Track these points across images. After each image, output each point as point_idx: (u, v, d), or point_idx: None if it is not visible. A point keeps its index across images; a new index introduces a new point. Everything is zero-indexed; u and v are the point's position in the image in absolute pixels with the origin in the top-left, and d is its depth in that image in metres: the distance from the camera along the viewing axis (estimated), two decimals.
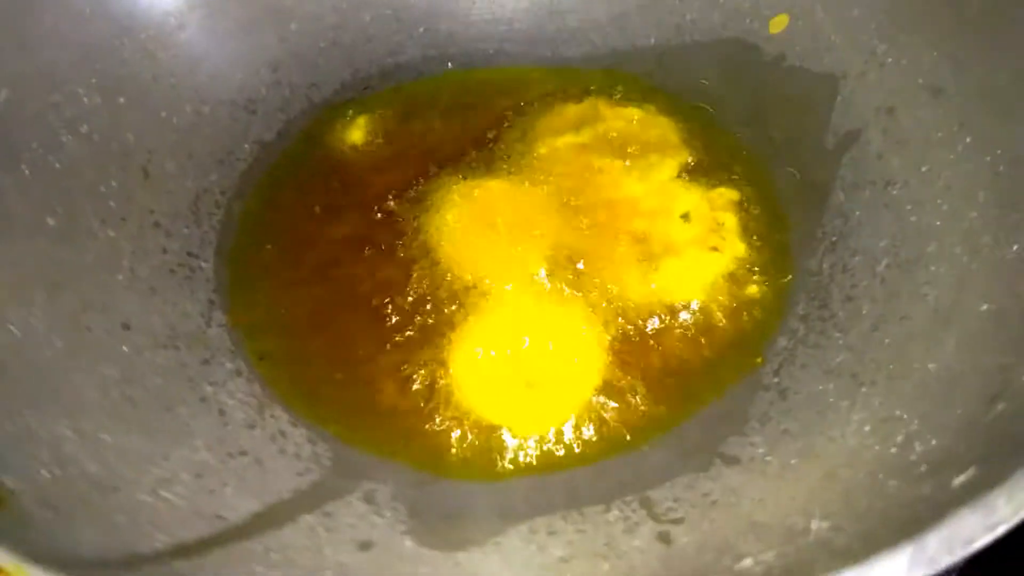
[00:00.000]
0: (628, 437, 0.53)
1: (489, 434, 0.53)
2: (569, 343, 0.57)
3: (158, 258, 0.61)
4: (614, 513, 0.46)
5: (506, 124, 0.72)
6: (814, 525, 0.37)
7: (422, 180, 0.68)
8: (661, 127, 0.71)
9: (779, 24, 0.70)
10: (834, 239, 0.59)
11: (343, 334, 0.60)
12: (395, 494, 0.49)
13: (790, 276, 0.59)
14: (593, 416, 0.54)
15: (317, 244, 0.65)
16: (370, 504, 0.48)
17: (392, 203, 0.67)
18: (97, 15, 0.66)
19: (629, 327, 0.58)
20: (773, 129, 0.69)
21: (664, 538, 0.43)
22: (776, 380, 0.53)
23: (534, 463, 0.52)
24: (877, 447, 0.41)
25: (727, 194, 0.65)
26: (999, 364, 0.41)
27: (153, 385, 0.53)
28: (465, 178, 0.68)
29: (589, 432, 0.53)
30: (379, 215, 0.66)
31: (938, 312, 0.49)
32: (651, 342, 0.57)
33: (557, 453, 0.52)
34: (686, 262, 0.61)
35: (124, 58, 0.67)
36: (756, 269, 0.60)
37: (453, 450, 0.53)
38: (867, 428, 0.44)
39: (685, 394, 0.55)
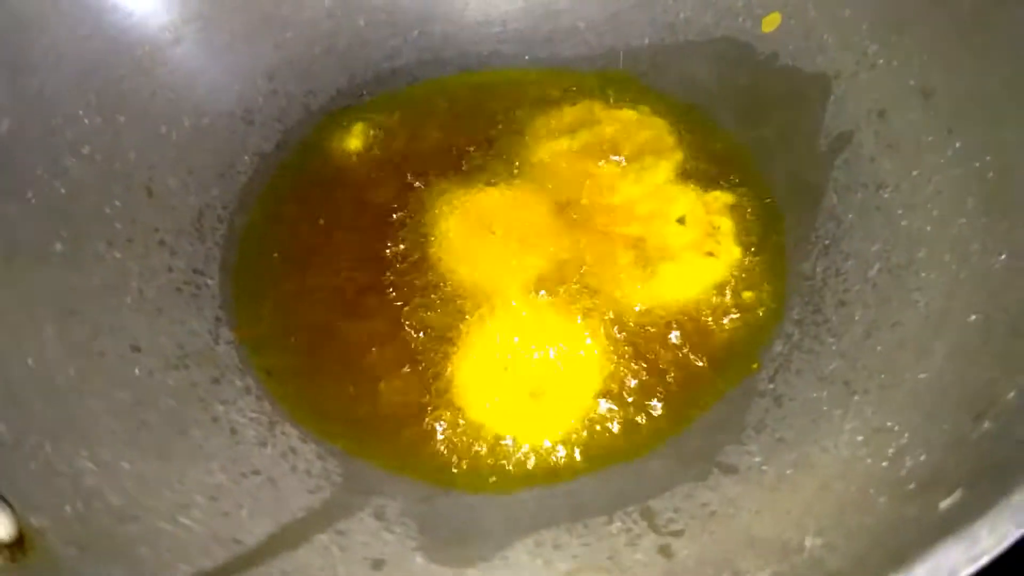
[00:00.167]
0: (629, 445, 0.54)
1: (494, 445, 0.55)
2: (570, 352, 0.58)
3: (164, 277, 0.62)
4: (616, 525, 0.47)
5: (503, 128, 0.73)
6: (808, 542, 0.38)
7: (421, 188, 0.69)
8: (656, 128, 0.72)
9: (772, 23, 0.71)
10: (827, 242, 0.60)
11: (348, 347, 0.61)
12: (404, 509, 0.51)
13: (784, 279, 0.60)
14: (595, 424, 0.55)
15: (319, 256, 0.66)
16: (380, 520, 0.50)
17: (392, 213, 0.67)
18: (92, 34, 0.66)
19: (628, 334, 0.59)
20: (767, 129, 0.69)
21: (665, 551, 0.44)
22: (772, 386, 0.54)
23: (538, 473, 0.54)
24: (869, 460, 0.43)
25: (722, 197, 0.66)
26: (986, 378, 0.42)
27: (166, 407, 0.54)
28: (463, 185, 0.69)
29: (591, 441, 0.55)
30: (379, 226, 0.67)
31: (928, 320, 0.50)
32: (650, 349, 0.58)
33: (560, 463, 0.54)
34: (683, 267, 0.62)
35: (121, 75, 0.67)
36: (751, 273, 0.61)
37: (459, 462, 0.55)
38: (859, 438, 0.45)
39: (684, 400, 0.56)
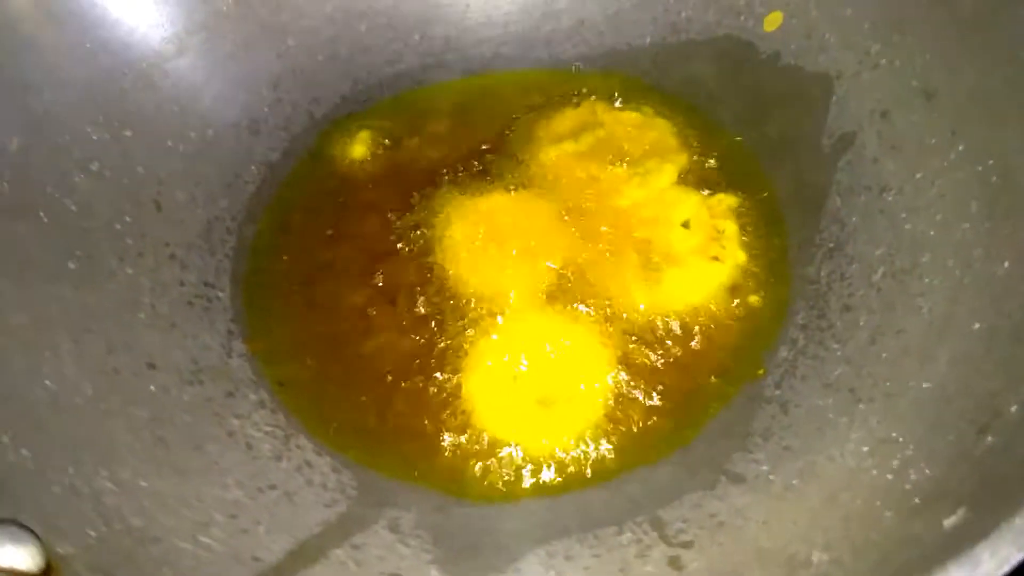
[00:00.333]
0: (637, 452, 0.55)
1: (504, 454, 0.56)
2: (577, 359, 0.59)
3: (176, 291, 0.63)
4: (627, 535, 0.48)
5: (506, 133, 0.73)
6: (815, 557, 0.39)
7: (427, 194, 0.69)
8: (659, 130, 0.72)
9: (773, 22, 0.71)
10: (831, 246, 0.61)
11: (358, 357, 0.62)
12: (418, 521, 0.52)
13: (789, 284, 0.61)
14: (603, 432, 0.56)
15: (328, 266, 0.67)
16: (395, 533, 0.51)
17: (399, 221, 0.68)
18: (96, 50, 0.67)
19: (635, 341, 0.60)
20: (769, 129, 0.70)
21: (675, 563, 0.45)
22: (778, 392, 0.55)
23: (548, 482, 0.55)
24: (875, 471, 0.44)
25: (726, 200, 0.66)
26: (989, 389, 0.43)
27: (182, 423, 0.55)
28: (469, 191, 0.69)
29: (600, 448, 0.56)
30: (387, 234, 0.68)
31: (932, 327, 0.50)
32: (657, 355, 0.59)
33: (570, 471, 0.55)
34: (688, 272, 0.63)
35: (126, 90, 0.68)
36: (756, 277, 0.62)
37: (470, 472, 0.56)
38: (865, 449, 0.46)
39: (691, 407, 0.57)
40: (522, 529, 0.51)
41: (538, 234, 0.66)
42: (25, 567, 0.39)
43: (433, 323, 0.62)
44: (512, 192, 0.69)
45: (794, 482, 0.47)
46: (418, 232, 0.67)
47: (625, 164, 0.69)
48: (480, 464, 0.56)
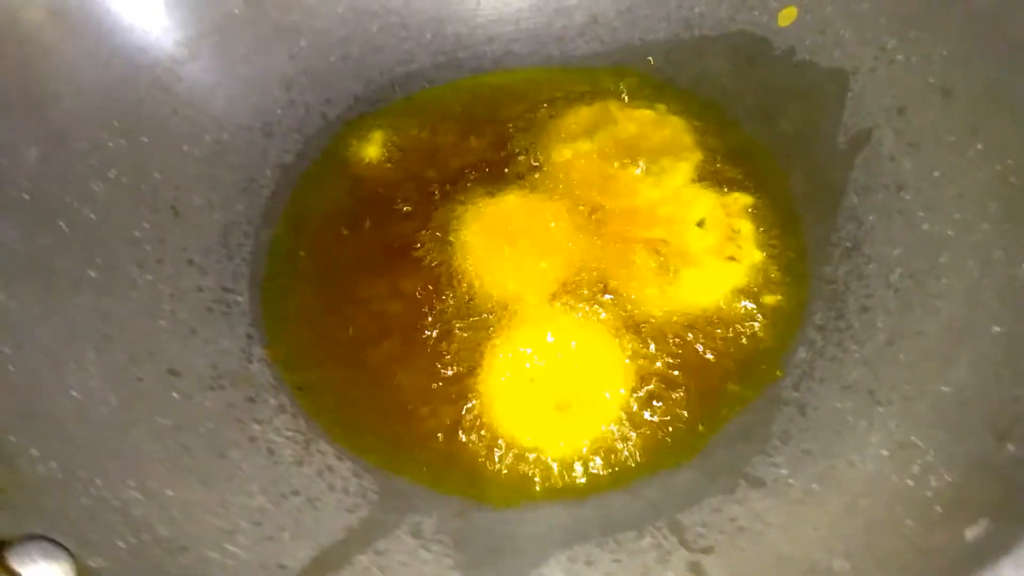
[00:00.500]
0: (656, 455, 0.55)
1: (523, 458, 0.56)
2: (594, 362, 0.59)
3: (195, 297, 0.64)
4: (647, 540, 0.49)
5: (520, 131, 0.73)
6: (836, 565, 0.40)
7: (441, 196, 0.70)
8: (673, 127, 0.72)
9: (788, 17, 0.70)
10: (848, 245, 0.61)
11: (376, 360, 0.62)
12: (439, 526, 0.52)
13: (806, 284, 0.61)
14: (621, 435, 0.57)
15: (344, 269, 0.67)
16: (417, 538, 0.51)
17: (414, 223, 0.68)
18: (111, 56, 0.67)
19: (651, 342, 0.60)
20: (784, 126, 0.69)
21: (696, 569, 0.46)
22: (796, 395, 0.55)
23: (568, 486, 0.55)
24: (895, 477, 0.44)
25: (741, 199, 0.66)
26: (1009, 395, 0.43)
27: (205, 430, 0.56)
28: (484, 192, 0.69)
29: (618, 452, 0.56)
30: (402, 235, 0.68)
31: (951, 329, 0.50)
32: (674, 356, 0.59)
33: (589, 475, 0.55)
34: (705, 272, 0.63)
35: (142, 96, 0.68)
36: (773, 277, 0.62)
37: (490, 476, 0.56)
38: (884, 453, 0.46)
39: (710, 409, 0.57)
40: (543, 533, 0.52)
41: (553, 235, 0.66)
42: None
43: (449, 325, 0.62)
44: (526, 192, 0.69)
45: (814, 487, 0.48)
46: (432, 233, 0.67)
47: (639, 163, 0.69)
48: (499, 468, 0.56)
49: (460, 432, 0.58)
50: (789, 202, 0.65)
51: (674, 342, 0.60)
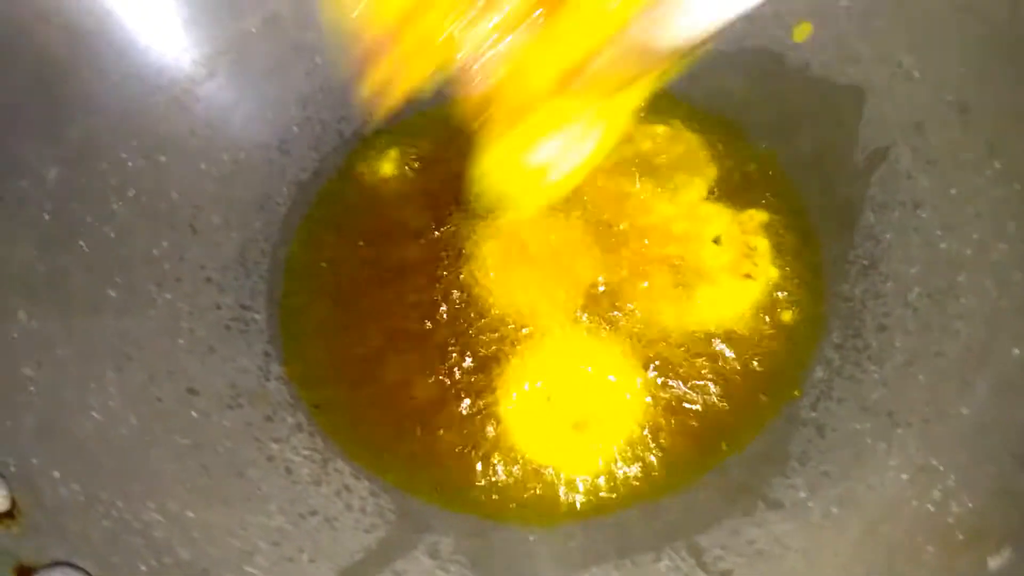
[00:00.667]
0: (674, 476, 0.55)
1: (540, 478, 0.56)
2: (611, 381, 0.59)
3: (213, 315, 0.64)
4: (664, 563, 0.49)
5: None
6: None
7: (457, 213, 0.70)
8: (688, 143, 0.72)
9: (803, 33, 0.70)
10: (865, 263, 0.60)
11: (393, 378, 0.63)
12: (456, 546, 0.52)
13: (823, 302, 0.61)
14: (638, 455, 0.56)
15: (361, 286, 0.68)
16: (435, 559, 0.52)
17: (430, 240, 0.68)
18: (130, 76, 0.67)
19: (669, 361, 0.60)
20: (801, 142, 0.69)
21: None
22: (814, 415, 0.55)
23: (584, 506, 0.55)
24: (915, 502, 0.44)
25: (757, 216, 0.66)
26: None
27: (224, 449, 0.56)
28: (500, 209, 0.69)
29: (635, 472, 0.56)
30: (418, 253, 0.68)
31: (970, 350, 0.50)
32: (691, 375, 0.59)
33: (606, 495, 0.55)
34: (721, 290, 0.62)
35: (160, 115, 0.68)
36: (789, 295, 0.62)
37: (505, 495, 0.56)
38: (904, 477, 0.46)
39: (727, 428, 0.57)
40: (560, 554, 0.52)
41: (568, 252, 0.66)
42: None
43: (466, 343, 0.63)
44: (542, 209, 0.69)
45: (833, 510, 0.47)
46: (447, 252, 0.68)
47: (654, 179, 0.69)
48: (516, 488, 0.56)
49: (477, 451, 0.58)
50: (805, 219, 0.65)
51: (690, 360, 0.60)
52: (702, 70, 0.76)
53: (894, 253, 0.59)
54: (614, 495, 0.55)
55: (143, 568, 0.45)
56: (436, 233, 0.69)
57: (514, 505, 0.56)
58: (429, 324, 0.64)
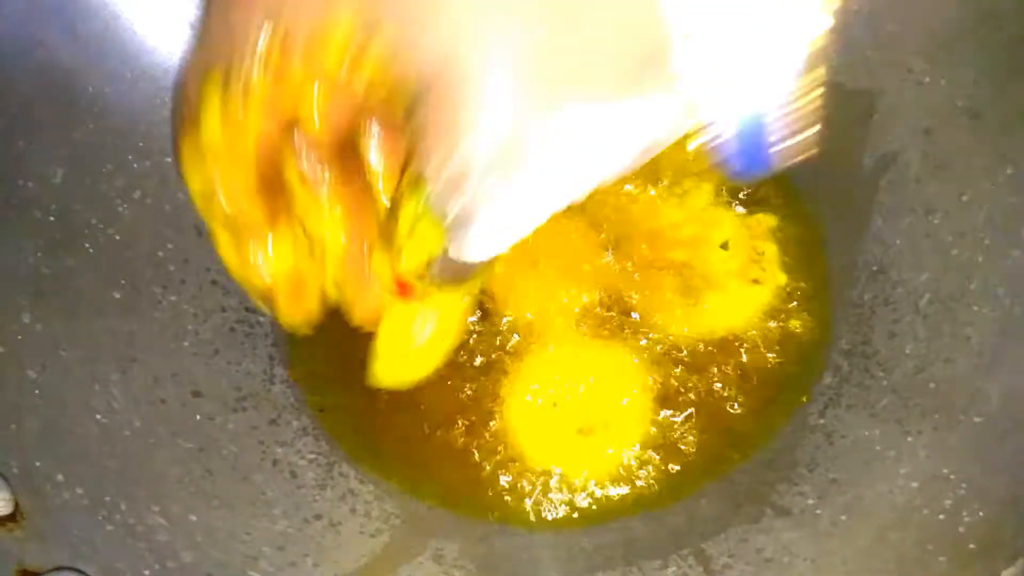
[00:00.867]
0: (680, 482, 0.55)
1: (546, 483, 0.56)
2: (617, 386, 0.59)
3: (218, 317, 0.64)
4: (672, 569, 0.48)
5: None
6: None
7: None
8: (695, 147, 0.71)
9: None
10: (874, 268, 0.60)
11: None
12: (462, 551, 0.52)
13: (832, 308, 0.60)
14: (645, 461, 0.56)
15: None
16: (440, 564, 0.51)
17: None
18: (137, 77, 0.67)
19: (674, 367, 0.60)
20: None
21: None
22: (822, 421, 0.54)
23: (591, 512, 0.55)
24: (926, 510, 0.43)
25: (765, 220, 0.65)
26: None
27: (228, 453, 0.56)
28: None
29: (642, 478, 0.56)
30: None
31: (982, 358, 0.50)
32: (698, 381, 0.59)
33: (612, 501, 0.55)
34: (729, 296, 0.62)
35: (166, 117, 0.68)
36: (798, 301, 0.61)
37: (513, 501, 0.56)
38: (915, 485, 0.46)
39: (735, 434, 0.57)
40: (566, 560, 0.52)
41: (574, 257, 0.66)
42: None
43: (472, 348, 0.62)
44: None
45: (842, 517, 0.47)
46: None
47: (661, 183, 0.69)
48: (522, 493, 0.56)
49: (482, 456, 0.58)
50: (813, 224, 0.65)
51: (697, 366, 0.60)
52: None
53: (904, 259, 0.58)
54: (620, 501, 0.55)
55: (146, 572, 0.44)
56: None
57: (520, 511, 0.56)
58: None
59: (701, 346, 0.60)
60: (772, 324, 0.61)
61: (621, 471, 0.56)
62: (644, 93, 0.31)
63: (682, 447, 0.57)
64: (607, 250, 0.66)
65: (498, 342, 0.62)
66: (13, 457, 0.46)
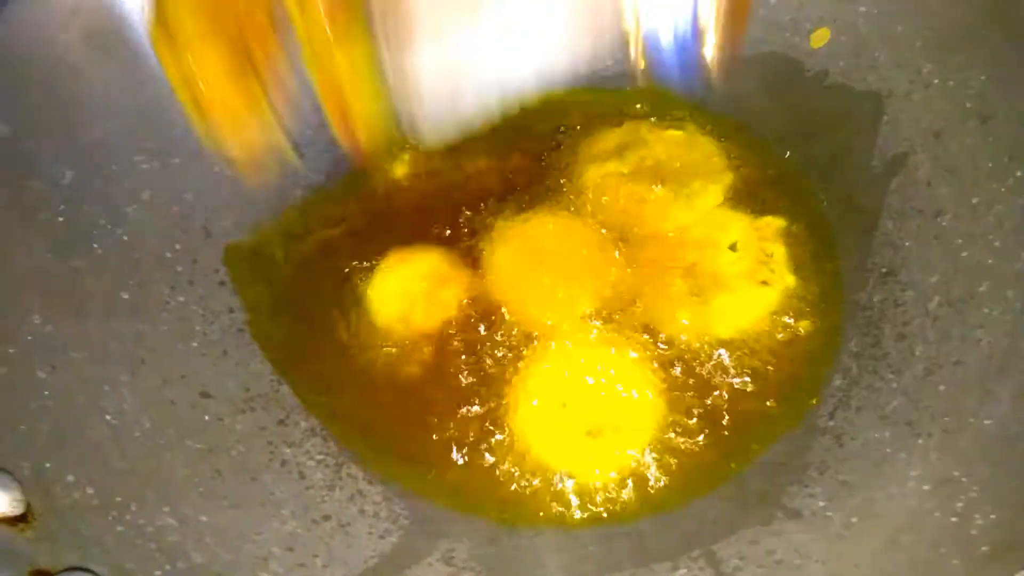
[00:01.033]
0: (690, 484, 0.55)
1: (555, 485, 0.56)
2: (625, 388, 0.59)
3: (227, 318, 0.64)
4: (682, 571, 0.48)
5: (549, 153, 0.73)
6: None
7: (471, 217, 0.69)
8: (704, 149, 0.72)
9: (820, 39, 0.70)
10: (884, 271, 0.60)
11: (405, 383, 0.62)
12: (471, 552, 0.52)
13: (841, 310, 0.60)
14: (654, 463, 0.56)
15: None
16: (449, 565, 0.51)
17: (443, 245, 0.68)
18: (145, 79, 0.66)
19: (683, 368, 0.60)
20: (818, 149, 0.69)
21: None
22: (831, 423, 0.54)
23: (600, 514, 0.55)
24: (938, 513, 0.43)
25: (774, 223, 0.65)
26: None
27: (237, 454, 0.56)
28: (512, 214, 0.69)
29: (651, 480, 0.55)
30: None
31: (992, 360, 0.50)
32: (706, 383, 0.59)
33: (621, 503, 0.55)
34: (737, 297, 0.62)
35: (174, 118, 0.68)
36: (807, 302, 0.61)
37: (522, 502, 0.56)
38: (926, 487, 0.46)
39: (744, 437, 0.57)
40: (576, 562, 0.52)
41: (583, 258, 0.66)
42: None
43: (480, 349, 0.62)
44: (555, 215, 0.69)
45: (853, 520, 0.47)
46: (461, 256, 0.67)
47: (670, 185, 0.69)
48: (531, 494, 0.56)
49: (491, 457, 0.58)
50: (822, 226, 0.65)
51: (706, 367, 0.60)
52: (719, 76, 0.76)
53: (913, 261, 0.58)
54: (629, 503, 0.55)
55: (157, 573, 0.44)
56: (449, 238, 0.68)
57: (529, 512, 0.56)
58: (441, 329, 0.64)
59: (709, 347, 0.60)
60: (781, 326, 0.61)
61: (630, 472, 0.56)
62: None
63: (691, 449, 0.56)
64: (616, 251, 0.66)
65: (506, 343, 0.62)
66: (24, 458, 0.46)
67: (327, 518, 0.54)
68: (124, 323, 0.58)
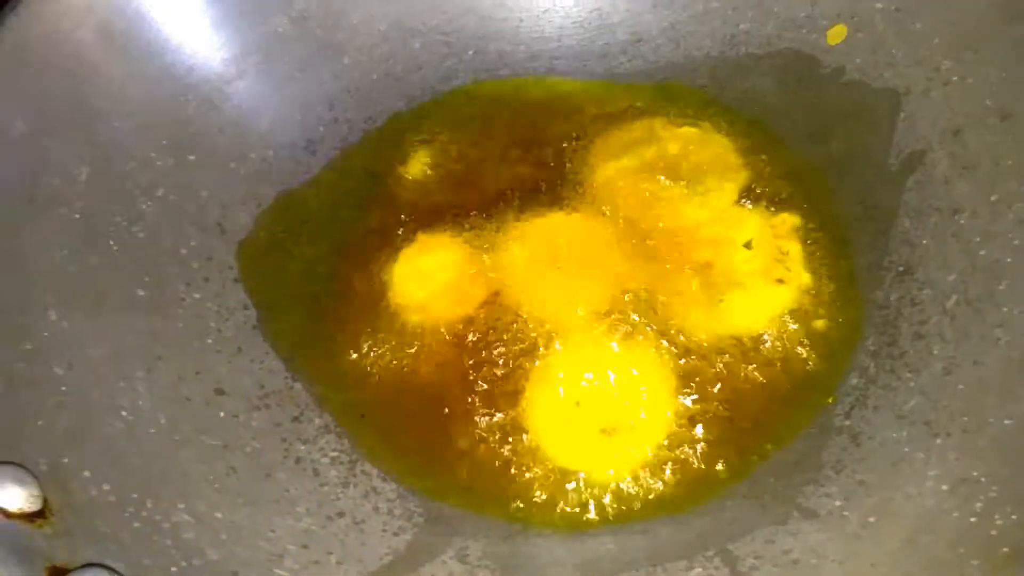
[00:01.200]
0: (705, 482, 0.55)
1: (569, 483, 0.56)
2: (640, 386, 0.59)
3: (241, 314, 0.64)
4: (697, 571, 0.48)
5: (562, 150, 0.73)
6: None
7: (483, 214, 0.69)
8: (719, 146, 0.71)
9: (837, 35, 0.69)
10: (901, 269, 0.59)
11: (419, 381, 0.62)
12: (485, 551, 0.52)
13: (857, 308, 0.60)
14: (668, 461, 0.56)
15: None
16: (464, 563, 0.51)
17: (456, 242, 0.68)
18: (161, 76, 0.67)
19: (698, 367, 0.59)
20: (834, 146, 0.68)
21: None
22: (848, 423, 0.54)
23: (614, 513, 0.55)
24: (956, 513, 0.43)
25: (790, 220, 0.65)
26: None
27: (252, 450, 0.56)
28: (525, 211, 0.69)
29: (666, 478, 0.55)
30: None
31: (1011, 360, 0.49)
32: (721, 381, 0.59)
33: (636, 502, 0.55)
34: (752, 295, 0.62)
35: (190, 115, 0.69)
36: (823, 301, 0.61)
37: (536, 501, 0.56)
38: (944, 487, 0.45)
39: (760, 435, 0.56)
40: (590, 561, 0.51)
41: (596, 256, 0.66)
42: None
43: (492, 347, 0.62)
44: (569, 211, 0.68)
45: (870, 520, 0.47)
46: (473, 253, 0.67)
47: (684, 182, 0.68)
48: (545, 493, 0.56)
49: (505, 456, 0.58)
50: (839, 224, 0.64)
51: (721, 366, 0.60)
52: (733, 73, 0.76)
53: (931, 260, 0.58)
54: (644, 501, 0.55)
55: (173, 570, 0.44)
56: (462, 235, 0.68)
57: (543, 510, 0.56)
58: (454, 326, 0.64)
59: (724, 345, 0.60)
60: (796, 324, 0.61)
61: (645, 471, 0.56)
62: None
63: (705, 447, 0.56)
64: (630, 249, 0.66)
65: (520, 341, 0.62)
66: (41, 454, 0.46)
67: (341, 515, 0.54)
68: (140, 320, 0.59)
